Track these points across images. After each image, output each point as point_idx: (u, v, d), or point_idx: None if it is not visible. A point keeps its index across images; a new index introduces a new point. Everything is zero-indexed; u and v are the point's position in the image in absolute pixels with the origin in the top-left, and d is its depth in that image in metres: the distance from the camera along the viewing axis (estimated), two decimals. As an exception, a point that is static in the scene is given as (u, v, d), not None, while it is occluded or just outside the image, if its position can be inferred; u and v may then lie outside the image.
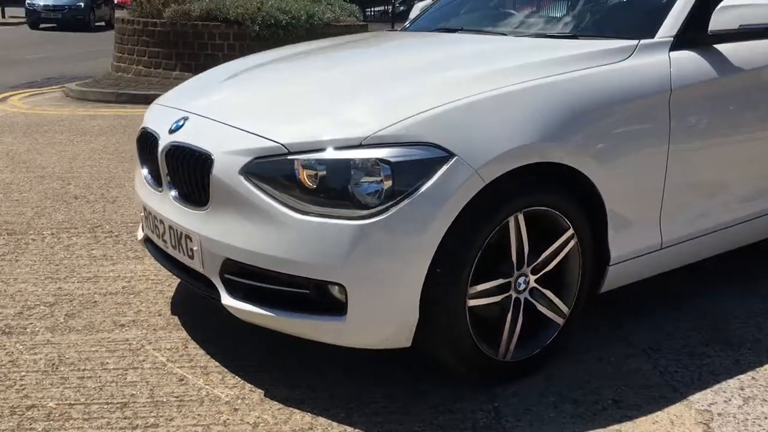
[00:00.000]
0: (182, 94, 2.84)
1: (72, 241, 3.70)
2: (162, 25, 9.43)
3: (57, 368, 2.42)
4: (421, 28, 3.49)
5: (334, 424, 2.09)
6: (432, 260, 2.01)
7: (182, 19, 9.35)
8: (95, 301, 2.96)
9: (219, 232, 2.20)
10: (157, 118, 2.63)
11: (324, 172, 2.03)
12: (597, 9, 2.99)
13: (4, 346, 2.58)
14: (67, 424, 2.09)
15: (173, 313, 2.85)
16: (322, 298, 2.08)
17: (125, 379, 2.35)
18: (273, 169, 2.09)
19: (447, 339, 2.12)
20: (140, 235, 2.88)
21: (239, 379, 2.34)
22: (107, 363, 2.46)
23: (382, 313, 2.05)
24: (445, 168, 1.99)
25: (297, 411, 2.15)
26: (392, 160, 1.99)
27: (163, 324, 2.75)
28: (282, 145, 2.09)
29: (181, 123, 2.42)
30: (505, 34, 2.98)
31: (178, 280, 3.16)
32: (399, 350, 2.14)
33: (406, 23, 3.78)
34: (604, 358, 2.46)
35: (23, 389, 2.28)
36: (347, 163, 2.02)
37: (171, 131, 2.42)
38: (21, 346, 2.57)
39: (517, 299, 2.24)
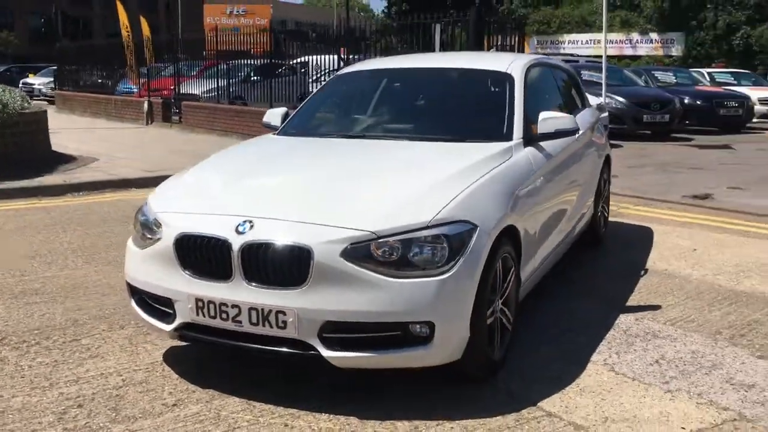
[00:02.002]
0: (206, 199, 3.38)
1: (1, 356, 3.71)
2: None
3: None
4: (320, 135, 4.40)
5: (428, 422, 2.98)
6: (475, 296, 3.08)
7: None
8: (118, 395, 3.25)
9: (318, 302, 2.93)
10: (200, 223, 3.16)
11: (409, 246, 2.96)
12: (460, 118, 4.34)
13: (96, 442, 2.84)
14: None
15: (203, 387, 3.32)
16: (410, 335, 2.98)
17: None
18: (367, 250, 2.94)
19: (478, 347, 3.16)
20: (167, 327, 3.29)
21: (328, 414, 3.04)
22: (211, 430, 2.93)
23: (451, 337, 3.03)
24: (475, 235, 3.09)
25: (396, 422, 2.98)
26: (450, 233, 3.02)
27: (208, 397, 3.22)
28: (372, 232, 2.95)
29: (246, 226, 3.05)
30: (412, 139, 4.10)
31: (164, 365, 3.57)
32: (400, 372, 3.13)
33: (281, 126, 4.62)
34: (528, 351, 3.73)
35: (172, 463, 2.68)
36: (421, 239, 2.98)
37: (239, 233, 3.04)
38: (111, 439, 2.86)
39: (496, 317, 3.40)
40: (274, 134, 4.64)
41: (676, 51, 45.31)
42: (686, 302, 4.51)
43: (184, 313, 3.20)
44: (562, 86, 5.38)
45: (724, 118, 16.64)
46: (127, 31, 20.87)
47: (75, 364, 3.59)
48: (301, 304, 2.95)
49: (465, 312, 3.05)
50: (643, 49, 45.51)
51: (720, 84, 19.61)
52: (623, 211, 7.29)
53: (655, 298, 4.58)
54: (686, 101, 15.93)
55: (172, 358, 3.66)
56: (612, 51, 43.81)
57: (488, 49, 9.98)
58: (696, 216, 7.19)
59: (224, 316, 3.08)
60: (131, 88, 21.35)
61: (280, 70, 16.34)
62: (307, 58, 16.45)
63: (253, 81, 16.67)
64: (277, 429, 2.94)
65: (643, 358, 3.64)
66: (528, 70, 4.55)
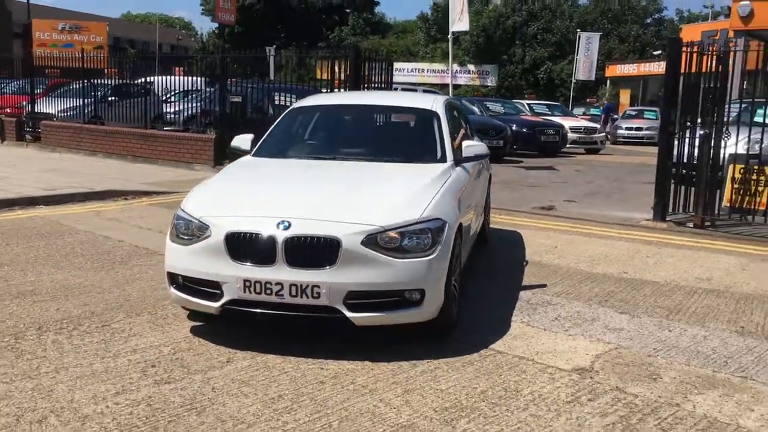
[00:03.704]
0: (243, 205, 4.40)
1: (51, 338, 4.42)
2: None
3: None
4: (296, 156, 5.50)
5: (422, 360, 4.20)
6: (447, 269, 4.36)
7: None
8: (178, 358, 4.17)
9: (344, 277, 4.08)
10: (246, 224, 4.18)
11: (406, 236, 4.19)
12: (407, 145, 5.63)
13: (199, 384, 3.78)
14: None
15: (241, 350, 4.30)
16: (407, 299, 4.20)
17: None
18: (377, 239, 4.13)
19: (447, 308, 4.44)
20: (214, 304, 4.25)
21: (348, 360, 4.17)
22: (268, 374, 3.96)
23: (434, 300, 4.28)
24: (446, 228, 4.38)
25: (400, 362, 4.15)
26: (432, 227, 4.29)
27: (251, 356, 4.21)
28: (381, 226, 4.15)
29: (286, 224, 4.13)
30: (374, 161, 5.31)
31: (198, 338, 4.51)
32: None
33: (252, 149, 5.64)
34: (468, 316, 5.06)
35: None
36: (414, 230, 4.22)
37: (281, 229, 4.10)
38: (211, 381, 3.81)
39: (453, 288, 4.70)
40: (251, 156, 5.64)
41: (491, 82, 49.73)
42: (562, 282, 6.09)
43: (232, 292, 4.19)
44: (461, 118, 6.85)
45: (545, 144, 19.32)
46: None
47: (122, 341, 4.43)
48: (331, 279, 4.08)
49: (442, 283, 4.32)
50: (462, 79, 49.45)
51: (538, 114, 22.51)
52: (492, 219, 8.91)
53: (540, 280, 6.11)
54: (514, 128, 18.33)
55: (200, 333, 4.59)
56: (435, 80, 47.35)
57: (365, 82, 11.39)
58: (547, 222, 9.00)
59: (268, 291, 4.13)
60: (-36, 105, 20.54)
61: (135, 90, 16.74)
62: (152, 78, 16.97)
63: (110, 101, 16.86)
64: (317, 370, 4.04)
65: (546, 317, 5.11)
66: (446, 107, 5.96)
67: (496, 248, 7.37)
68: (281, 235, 4.10)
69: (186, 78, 16.02)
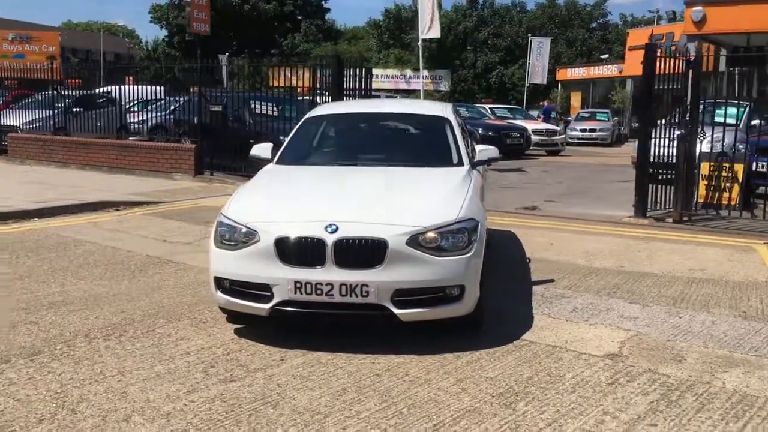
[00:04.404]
0: (287, 210, 4.61)
1: (102, 345, 4.55)
2: None
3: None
4: (322, 163, 5.72)
5: (464, 352, 4.46)
6: (481, 266, 4.65)
7: None
8: (233, 359, 4.34)
9: (391, 276, 4.32)
10: (296, 228, 4.38)
11: (444, 236, 4.46)
12: (426, 150, 5.90)
13: (263, 381, 3.98)
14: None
15: (291, 348, 4.50)
16: (449, 294, 4.47)
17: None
18: (420, 238, 4.39)
19: (481, 303, 4.73)
20: (264, 306, 4.45)
21: (396, 355, 4.42)
22: (324, 369, 4.18)
23: (472, 295, 4.56)
24: (479, 227, 4.67)
25: (444, 354, 4.43)
26: (467, 227, 4.57)
27: (302, 353, 4.40)
28: (424, 227, 4.42)
29: (334, 227, 4.35)
30: (401, 165, 5.57)
31: (245, 339, 4.69)
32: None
33: (273, 157, 5.83)
34: (490, 311, 5.35)
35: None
36: (452, 230, 4.50)
37: (329, 233, 4.33)
38: (273, 378, 4.01)
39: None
40: (274, 164, 5.83)
41: (444, 86, 50.32)
42: (568, 276, 6.44)
43: (283, 294, 4.39)
44: (463, 123, 7.16)
45: (510, 147, 19.83)
46: None
47: (172, 345, 4.59)
48: (379, 278, 4.32)
49: (477, 278, 4.61)
50: (416, 84, 49.89)
51: (500, 117, 23.08)
52: (482, 220, 9.26)
53: (547, 275, 6.45)
54: (481, 132, 18.81)
55: (244, 334, 4.77)
56: (389, 85, 47.76)
57: (348, 90, 11.66)
58: (535, 222, 9.39)
59: (319, 292, 4.34)
60: None
61: (99, 100, 16.64)
62: (109, 88, 16.85)
63: (75, 112, 16.67)
64: (369, 365, 4.27)
65: (564, 309, 5.44)
66: (454, 114, 6.26)
67: (496, 246, 7.65)
68: (330, 238, 4.32)
69: (149, 87, 15.91)
